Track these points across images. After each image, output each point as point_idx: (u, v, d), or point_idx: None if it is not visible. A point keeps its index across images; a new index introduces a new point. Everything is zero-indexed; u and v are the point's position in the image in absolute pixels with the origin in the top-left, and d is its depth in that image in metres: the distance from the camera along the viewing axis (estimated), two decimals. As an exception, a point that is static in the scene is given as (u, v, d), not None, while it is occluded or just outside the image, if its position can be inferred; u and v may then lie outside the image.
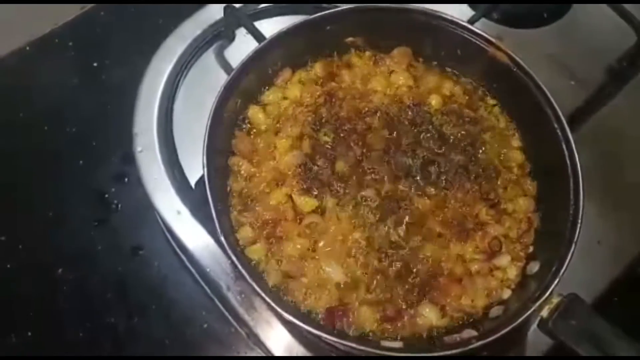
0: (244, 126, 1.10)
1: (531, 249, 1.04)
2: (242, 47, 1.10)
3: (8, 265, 1.17)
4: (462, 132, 1.12)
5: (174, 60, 1.24)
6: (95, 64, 1.36)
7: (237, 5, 1.25)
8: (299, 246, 1.00)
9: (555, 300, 0.91)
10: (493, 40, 1.09)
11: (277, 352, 1.06)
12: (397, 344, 0.94)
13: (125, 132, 1.17)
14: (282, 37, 1.08)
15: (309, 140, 1.08)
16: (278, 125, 1.10)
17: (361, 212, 1.04)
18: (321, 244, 1.01)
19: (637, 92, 1.31)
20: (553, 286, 0.91)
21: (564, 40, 1.35)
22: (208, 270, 1.08)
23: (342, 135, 1.10)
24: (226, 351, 1.12)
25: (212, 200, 0.93)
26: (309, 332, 0.92)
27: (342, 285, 0.99)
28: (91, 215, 1.22)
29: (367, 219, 1.04)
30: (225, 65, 1.25)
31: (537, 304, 0.90)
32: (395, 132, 1.11)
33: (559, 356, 1.03)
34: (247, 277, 0.89)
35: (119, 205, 1.23)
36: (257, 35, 1.16)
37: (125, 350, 1.13)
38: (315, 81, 1.15)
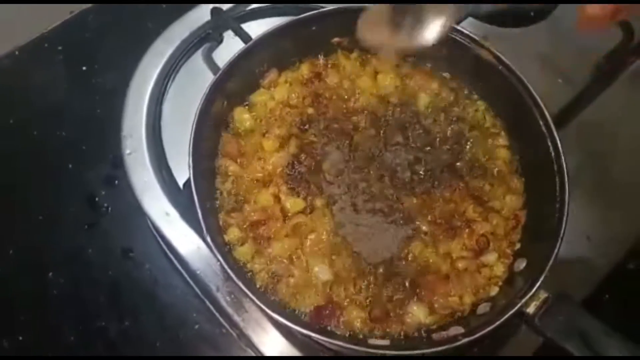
0: (231, 127, 1.11)
1: (518, 245, 1.04)
2: (230, 49, 1.11)
3: (-1, 269, 1.17)
4: (449, 131, 1.12)
5: (162, 62, 1.24)
6: (84, 68, 1.37)
7: (224, 8, 1.26)
8: (286, 246, 1.01)
9: (542, 296, 0.91)
10: (478, 39, 1.09)
11: (268, 352, 1.07)
12: (385, 342, 0.95)
13: (114, 136, 1.18)
14: (268, 37, 1.08)
15: (296, 140, 1.09)
16: (265, 126, 1.11)
17: (348, 211, 1.04)
18: (308, 243, 1.02)
19: (624, 90, 1.32)
20: (539, 282, 0.91)
21: (551, 38, 1.35)
22: (197, 271, 1.09)
23: (329, 135, 1.10)
24: (218, 352, 1.12)
25: (198, 201, 0.94)
26: (298, 332, 0.92)
27: (330, 285, 1.00)
28: (82, 219, 1.22)
29: (355, 218, 1.04)
30: (213, 67, 1.25)
31: (524, 300, 0.90)
32: (382, 132, 1.11)
33: (550, 356, 1.03)
34: (234, 277, 0.90)
35: (109, 208, 1.23)
36: (244, 37, 1.17)
37: (118, 352, 1.13)
38: (302, 82, 1.15)
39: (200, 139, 0.99)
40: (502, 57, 1.08)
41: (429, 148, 1.11)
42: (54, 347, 1.13)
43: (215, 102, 1.05)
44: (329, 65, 1.17)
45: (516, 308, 0.90)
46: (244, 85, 1.12)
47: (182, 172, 1.12)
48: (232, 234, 1.01)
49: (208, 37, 1.29)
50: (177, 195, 1.13)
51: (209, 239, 0.92)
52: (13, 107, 1.32)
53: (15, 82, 1.35)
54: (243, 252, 1.00)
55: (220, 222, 1.03)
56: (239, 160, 1.08)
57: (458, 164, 1.09)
